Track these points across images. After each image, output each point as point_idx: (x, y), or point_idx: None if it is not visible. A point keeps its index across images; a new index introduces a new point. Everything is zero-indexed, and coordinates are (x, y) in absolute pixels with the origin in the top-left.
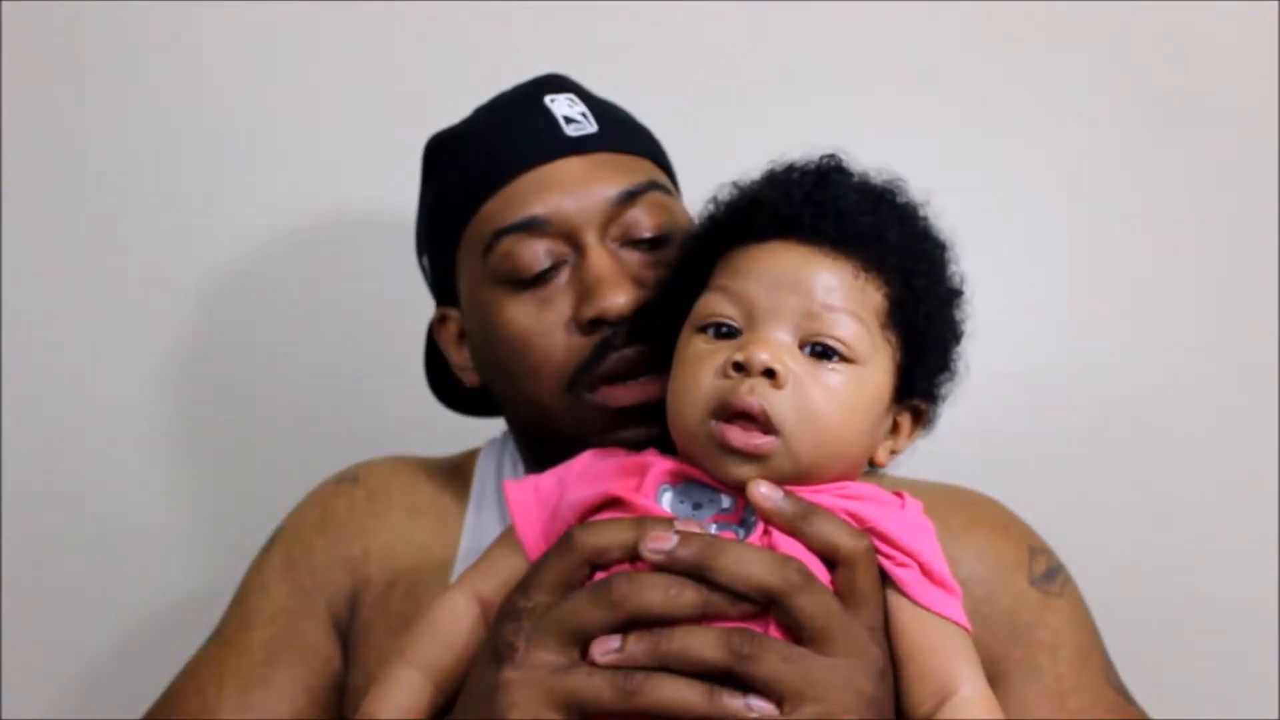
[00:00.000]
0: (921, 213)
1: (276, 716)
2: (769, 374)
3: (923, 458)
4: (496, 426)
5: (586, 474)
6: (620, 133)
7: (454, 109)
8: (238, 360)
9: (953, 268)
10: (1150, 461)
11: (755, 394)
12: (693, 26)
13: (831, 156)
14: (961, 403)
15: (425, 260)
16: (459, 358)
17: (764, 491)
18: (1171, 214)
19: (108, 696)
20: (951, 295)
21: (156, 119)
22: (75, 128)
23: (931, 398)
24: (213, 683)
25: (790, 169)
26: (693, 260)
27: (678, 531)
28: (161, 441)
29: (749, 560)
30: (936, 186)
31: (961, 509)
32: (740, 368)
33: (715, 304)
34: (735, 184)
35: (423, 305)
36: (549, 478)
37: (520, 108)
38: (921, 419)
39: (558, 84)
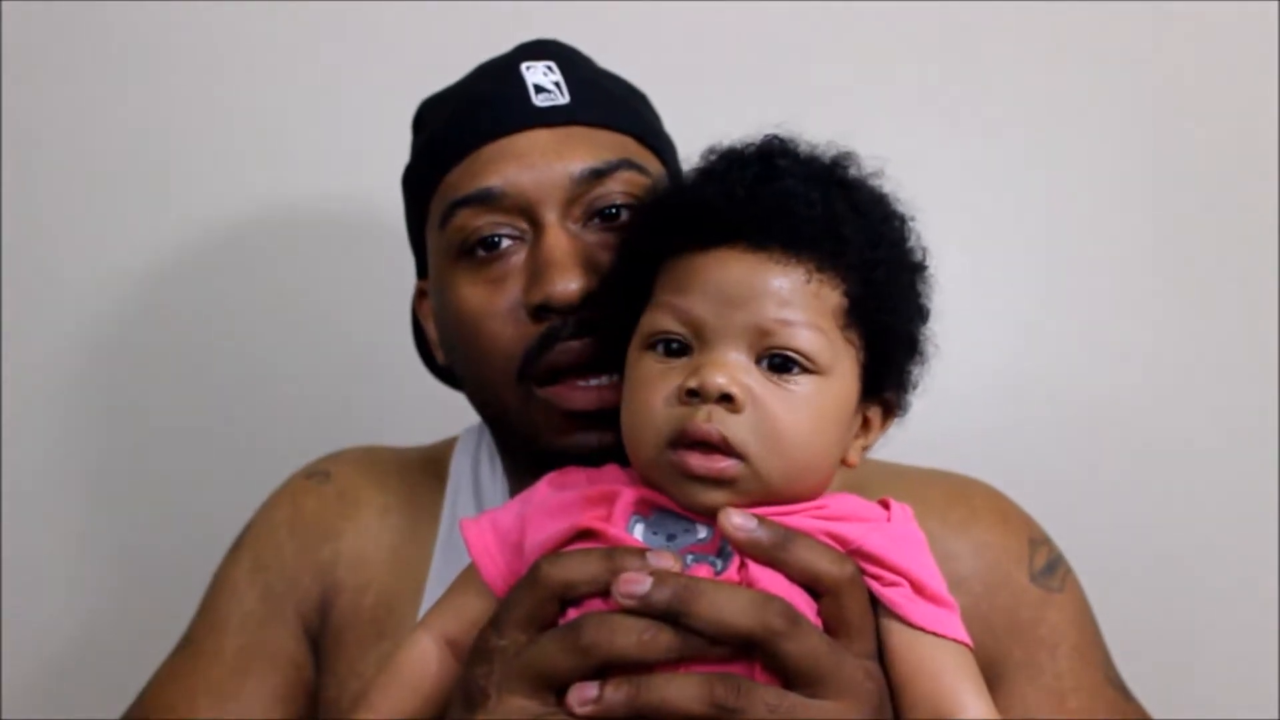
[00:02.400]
0: (876, 190)
1: None
2: (725, 398)
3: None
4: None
5: (548, 506)
6: (596, 106)
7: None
8: (211, 353)
9: (913, 242)
10: (1146, 461)
11: (713, 420)
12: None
13: (772, 138)
14: (953, 404)
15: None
16: (433, 333)
17: (737, 522)
18: (1170, 215)
19: (108, 696)
20: (916, 273)
21: (142, 111)
22: (66, 125)
23: (901, 386)
24: (184, 696)
25: (729, 159)
26: (635, 261)
27: (652, 572)
28: (161, 437)
29: (728, 604)
30: (930, 187)
31: (960, 501)
32: (695, 394)
33: (661, 320)
34: (672, 179)
35: (402, 299)
36: (507, 513)
37: (497, 74)
38: (892, 409)
39: (540, 50)
